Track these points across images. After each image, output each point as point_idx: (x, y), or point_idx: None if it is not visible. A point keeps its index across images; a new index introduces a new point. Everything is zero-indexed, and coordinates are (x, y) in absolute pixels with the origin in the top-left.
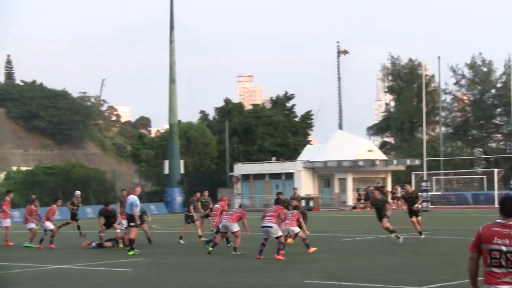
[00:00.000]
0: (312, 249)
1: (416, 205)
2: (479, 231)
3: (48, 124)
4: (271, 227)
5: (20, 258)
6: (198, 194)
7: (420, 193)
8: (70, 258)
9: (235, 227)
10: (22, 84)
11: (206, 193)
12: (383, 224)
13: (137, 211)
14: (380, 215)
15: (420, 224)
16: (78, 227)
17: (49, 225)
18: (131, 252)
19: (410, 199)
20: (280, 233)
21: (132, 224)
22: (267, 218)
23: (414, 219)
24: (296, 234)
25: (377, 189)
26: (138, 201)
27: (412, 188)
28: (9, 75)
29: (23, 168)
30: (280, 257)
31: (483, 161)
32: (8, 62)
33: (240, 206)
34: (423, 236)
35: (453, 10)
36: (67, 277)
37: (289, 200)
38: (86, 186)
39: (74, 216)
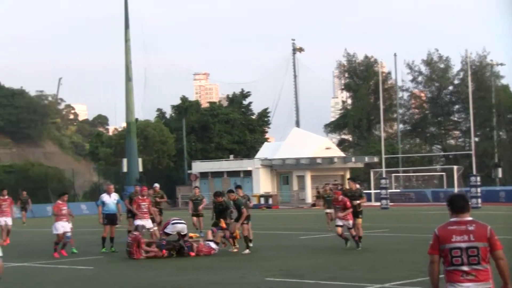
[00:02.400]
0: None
1: (357, 202)
2: (435, 233)
3: (6, 123)
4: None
5: None
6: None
7: (364, 192)
8: (31, 256)
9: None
10: None
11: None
12: (357, 224)
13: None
14: (356, 211)
15: (360, 228)
16: None
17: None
18: (103, 249)
19: (353, 198)
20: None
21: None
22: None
23: (356, 220)
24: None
25: (351, 180)
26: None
27: (356, 185)
28: None
29: None
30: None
31: (442, 158)
32: None
33: None
34: (359, 247)
35: (408, 6)
36: (28, 275)
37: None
38: (45, 184)
39: None
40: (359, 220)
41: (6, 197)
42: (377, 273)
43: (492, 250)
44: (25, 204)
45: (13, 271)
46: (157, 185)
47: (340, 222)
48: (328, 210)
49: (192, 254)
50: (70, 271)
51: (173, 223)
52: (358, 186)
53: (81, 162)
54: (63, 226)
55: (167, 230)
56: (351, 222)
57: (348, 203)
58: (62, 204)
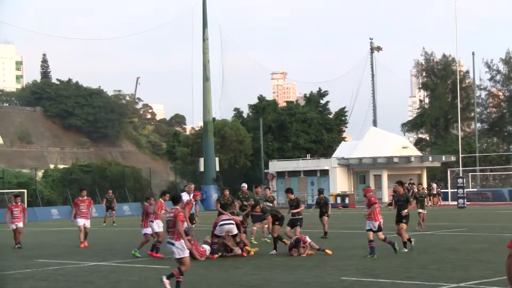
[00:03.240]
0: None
1: (405, 211)
2: None
3: (84, 122)
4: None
5: (57, 256)
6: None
7: (413, 197)
8: (107, 255)
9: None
10: (58, 83)
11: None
12: (398, 230)
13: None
14: (400, 216)
15: (403, 234)
16: None
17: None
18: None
19: (399, 203)
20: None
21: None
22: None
23: (400, 225)
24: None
25: (398, 183)
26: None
27: (403, 190)
28: (45, 74)
29: (60, 166)
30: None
31: None
32: (44, 61)
33: None
34: (405, 248)
35: (487, 6)
36: (105, 274)
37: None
38: (122, 183)
39: None
40: (403, 225)
41: (85, 198)
42: (454, 273)
43: None
44: (111, 203)
45: (90, 270)
46: (244, 185)
47: (367, 225)
48: (420, 210)
49: (244, 254)
50: (147, 270)
51: (220, 225)
52: (406, 190)
53: (158, 161)
54: (158, 225)
55: (216, 232)
56: (376, 223)
57: (372, 199)
58: (163, 203)
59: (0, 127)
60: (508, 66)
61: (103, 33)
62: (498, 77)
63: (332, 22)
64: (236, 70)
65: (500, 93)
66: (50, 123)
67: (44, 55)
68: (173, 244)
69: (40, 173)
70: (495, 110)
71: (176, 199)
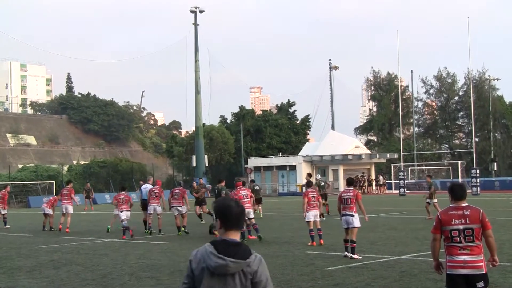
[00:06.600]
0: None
1: None
2: (438, 216)
3: (100, 127)
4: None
5: (80, 233)
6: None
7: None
8: (119, 233)
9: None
10: (79, 95)
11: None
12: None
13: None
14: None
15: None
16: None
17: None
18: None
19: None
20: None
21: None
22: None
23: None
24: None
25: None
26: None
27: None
28: (70, 89)
29: (81, 162)
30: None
31: (448, 155)
32: (69, 78)
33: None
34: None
35: (423, 31)
36: (116, 248)
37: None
38: (130, 176)
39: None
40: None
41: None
42: (396, 247)
43: (484, 229)
44: (89, 193)
45: (105, 245)
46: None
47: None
48: (435, 201)
49: (251, 237)
50: (150, 245)
51: None
52: (358, 180)
53: (159, 158)
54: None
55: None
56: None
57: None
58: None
59: (34, 131)
60: (440, 81)
61: (115, 55)
62: (431, 91)
63: (299, 46)
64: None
65: (433, 104)
66: (73, 128)
67: (68, 73)
68: (353, 216)
69: (65, 168)
70: (429, 117)
71: (350, 182)
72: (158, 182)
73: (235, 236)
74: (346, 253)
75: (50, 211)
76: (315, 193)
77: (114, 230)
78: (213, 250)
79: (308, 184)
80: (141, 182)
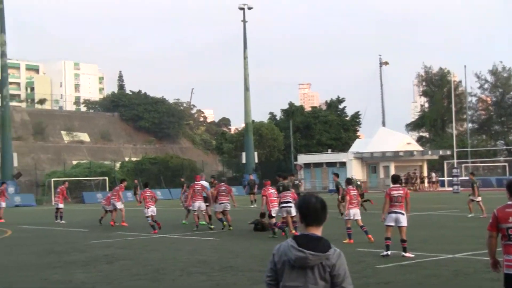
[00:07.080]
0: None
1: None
2: (494, 213)
3: (151, 125)
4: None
5: (131, 229)
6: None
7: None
8: (170, 229)
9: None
10: (130, 93)
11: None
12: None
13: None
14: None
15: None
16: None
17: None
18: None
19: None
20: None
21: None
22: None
23: None
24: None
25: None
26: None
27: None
28: (121, 87)
29: (133, 159)
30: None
31: (505, 152)
32: (120, 76)
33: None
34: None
35: (479, 23)
36: (167, 244)
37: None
38: (181, 173)
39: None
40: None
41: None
42: (449, 246)
43: None
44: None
45: (157, 241)
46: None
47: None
48: (479, 199)
49: (283, 234)
50: (202, 241)
51: (281, 207)
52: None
53: (209, 155)
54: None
55: (273, 214)
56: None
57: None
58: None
59: (87, 128)
60: (495, 76)
61: (165, 53)
62: (486, 86)
63: (349, 42)
64: (270, 81)
65: (488, 99)
66: (125, 125)
67: (120, 71)
68: (403, 214)
69: (117, 164)
70: (483, 113)
71: (396, 179)
72: (197, 177)
73: (316, 231)
74: (386, 252)
75: (111, 207)
76: (356, 191)
77: (164, 225)
78: (294, 244)
79: (348, 181)
80: (182, 179)
